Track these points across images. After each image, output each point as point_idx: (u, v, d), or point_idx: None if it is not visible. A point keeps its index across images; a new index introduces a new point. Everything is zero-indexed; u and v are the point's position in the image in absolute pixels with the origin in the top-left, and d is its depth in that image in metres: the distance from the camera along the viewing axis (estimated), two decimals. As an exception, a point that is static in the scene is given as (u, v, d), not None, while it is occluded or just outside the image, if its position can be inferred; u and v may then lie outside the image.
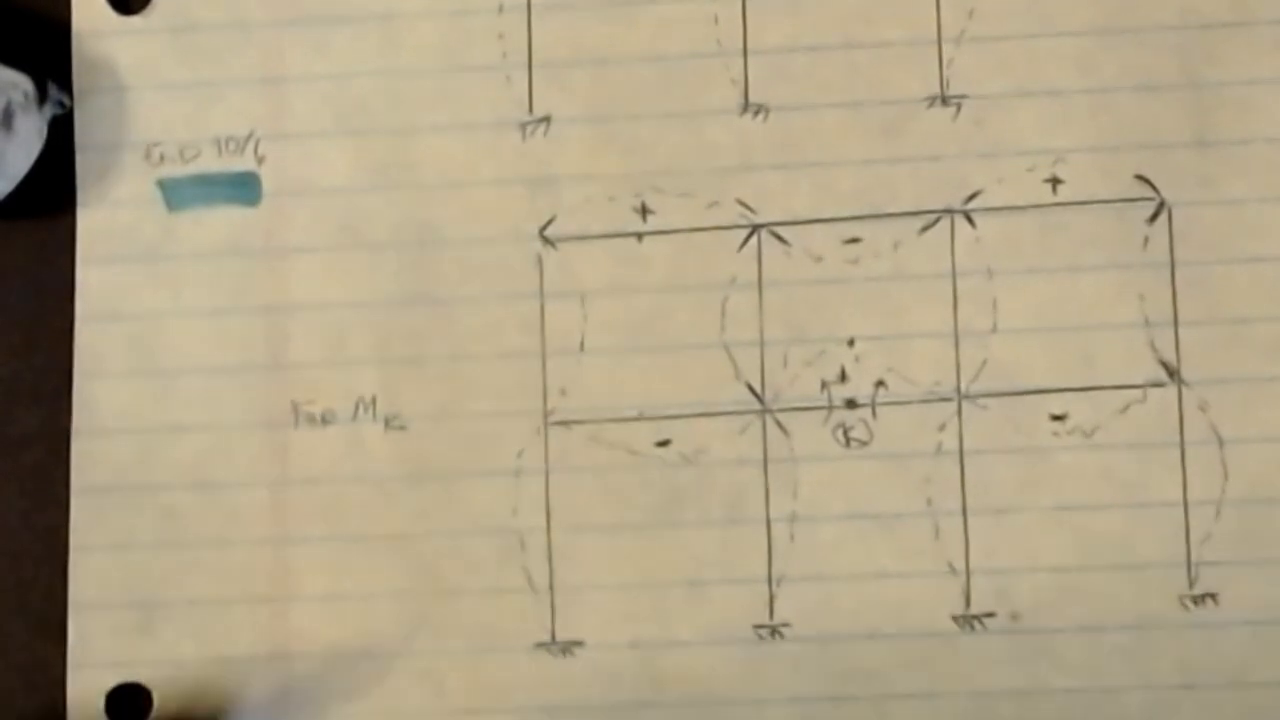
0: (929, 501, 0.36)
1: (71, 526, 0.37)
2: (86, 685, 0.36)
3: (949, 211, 0.36)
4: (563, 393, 0.36)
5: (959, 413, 0.36)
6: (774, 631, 0.36)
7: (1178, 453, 0.35)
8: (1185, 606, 0.35)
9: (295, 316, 0.37)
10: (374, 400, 0.37)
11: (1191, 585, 0.35)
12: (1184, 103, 0.36)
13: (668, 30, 0.37)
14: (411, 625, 0.36)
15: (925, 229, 0.36)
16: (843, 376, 0.36)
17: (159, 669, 0.36)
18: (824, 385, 0.36)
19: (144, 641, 0.36)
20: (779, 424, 0.36)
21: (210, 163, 0.37)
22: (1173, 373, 0.36)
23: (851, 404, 0.36)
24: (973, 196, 0.36)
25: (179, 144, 0.38)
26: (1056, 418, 0.36)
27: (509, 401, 0.36)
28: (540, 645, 0.36)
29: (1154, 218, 0.36)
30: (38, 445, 0.37)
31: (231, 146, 0.37)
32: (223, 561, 0.36)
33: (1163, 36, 0.36)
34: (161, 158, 0.38)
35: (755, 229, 0.36)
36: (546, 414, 0.36)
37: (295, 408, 0.37)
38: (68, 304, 0.38)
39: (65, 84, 0.37)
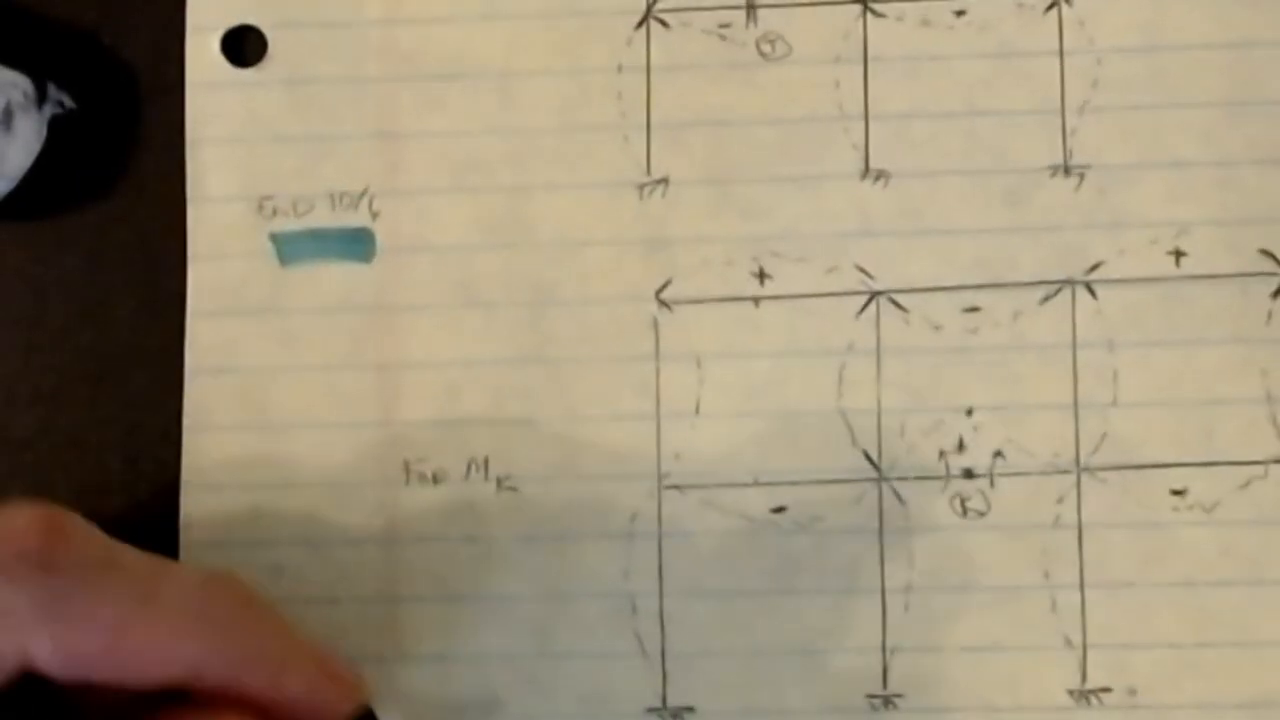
0: (1046, 574, 0.35)
1: (180, 582, 0.36)
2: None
3: (1070, 282, 0.36)
4: (677, 457, 0.36)
5: (1078, 485, 0.36)
6: (887, 702, 0.35)
7: (1298, 530, 0.35)
8: (1303, 685, 0.35)
9: (408, 374, 0.37)
10: (486, 461, 0.36)
11: (1310, 664, 0.35)
12: (1309, 178, 0.36)
13: (788, 93, 0.37)
14: (522, 687, 0.36)
15: (1046, 299, 0.36)
16: (960, 446, 0.36)
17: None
18: (941, 454, 0.36)
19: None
20: (895, 493, 0.36)
21: (324, 217, 0.37)
22: (1294, 449, 0.35)
23: (969, 474, 0.36)
24: (1095, 267, 0.36)
25: (292, 198, 0.37)
26: (1176, 492, 0.35)
27: (623, 464, 0.36)
28: (651, 710, 0.36)
29: (1278, 293, 0.36)
30: (38, 445, 0.37)
31: (345, 201, 0.37)
32: (332, 619, 0.36)
33: (1289, 111, 0.36)
34: (274, 211, 0.37)
35: (874, 296, 0.36)
36: (660, 477, 0.36)
37: (407, 466, 0.36)
38: (68, 304, 0.37)
39: (65, 84, 0.37)
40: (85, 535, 0.29)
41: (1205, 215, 0.36)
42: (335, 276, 0.37)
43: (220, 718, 0.29)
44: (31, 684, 0.28)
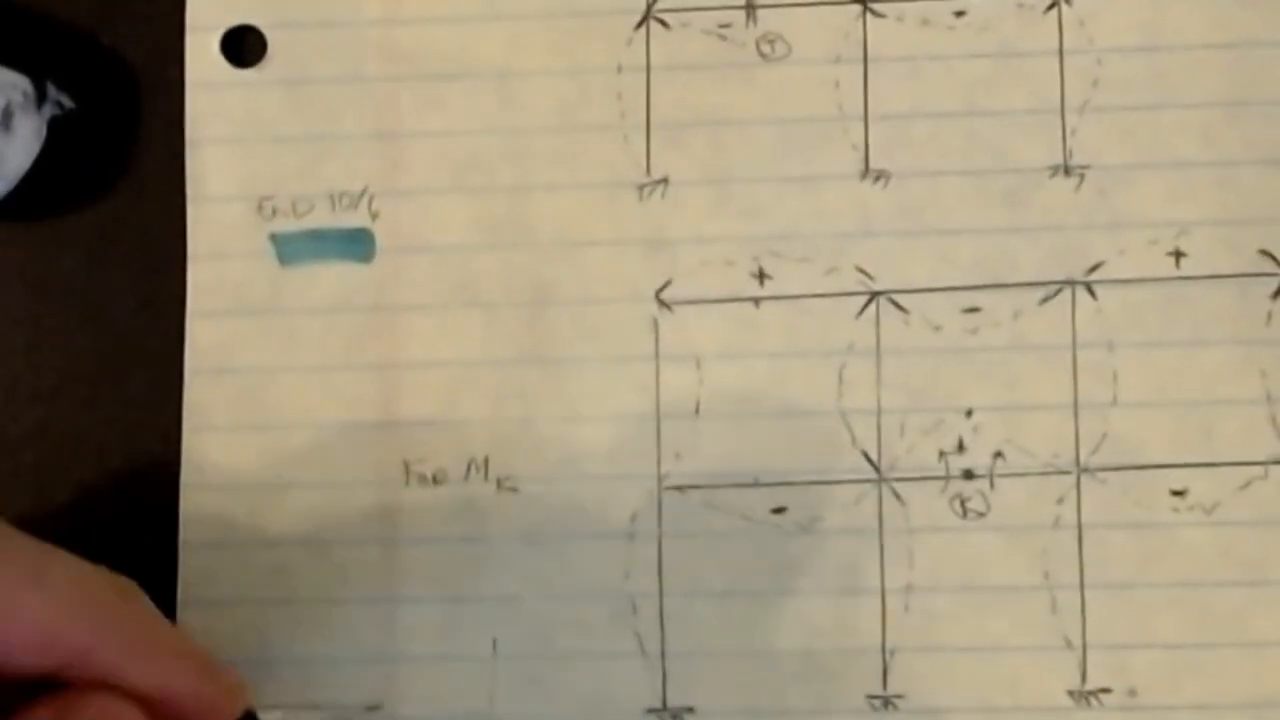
0: (1046, 575, 0.35)
1: (180, 581, 0.36)
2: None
3: (1070, 283, 0.36)
4: (677, 457, 0.36)
5: (1078, 486, 0.36)
6: (887, 703, 0.35)
7: (1298, 530, 0.35)
8: (1303, 685, 0.35)
9: (407, 375, 0.37)
10: (486, 461, 0.36)
11: (1310, 664, 0.35)
12: (1309, 178, 0.36)
13: (788, 94, 0.37)
14: (522, 687, 0.36)
15: (1046, 300, 0.36)
16: (960, 447, 0.36)
17: (266, 727, 0.36)
18: (941, 455, 0.36)
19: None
20: (895, 493, 0.36)
21: (323, 218, 0.37)
22: (1294, 449, 0.35)
23: (969, 475, 0.36)
24: (1095, 268, 0.36)
25: (292, 198, 0.37)
26: (1176, 493, 0.35)
27: (623, 465, 0.36)
28: (651, 711, 0.36)
29: (1277, 294, 0.36)
30: (38, 445, 0.37)
31: (345, 201, 0.37)
32: (332, 620, 0.36)
33: (1289, 111, 0.36)
34: (274, 211, 0.37)
35: (874, 296, 0.36)
36: (660, 478, 0.36)
37: (407, 466, 0.36)
38: (68, 304, 0.37)
39: (65, 84, 0.37)
40: None
41: (1205, 215, 0.36)
42: (335, 276, 0.37)
43: (100, 697, 0.28)
44: None
